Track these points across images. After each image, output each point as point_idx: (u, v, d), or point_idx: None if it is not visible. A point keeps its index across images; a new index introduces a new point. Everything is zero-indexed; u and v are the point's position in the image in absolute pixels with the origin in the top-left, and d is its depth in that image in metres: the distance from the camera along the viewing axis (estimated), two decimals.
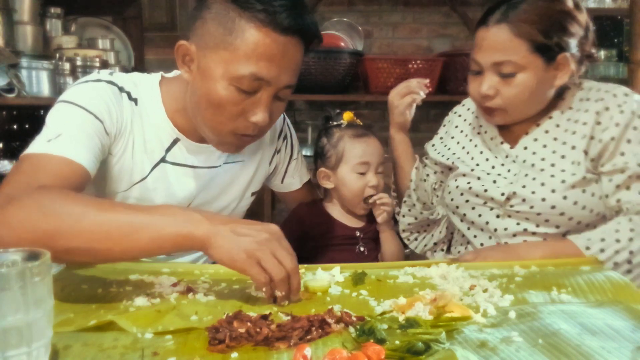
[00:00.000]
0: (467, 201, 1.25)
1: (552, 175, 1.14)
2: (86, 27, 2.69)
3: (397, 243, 1.36)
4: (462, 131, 1.38)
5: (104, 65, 2.34)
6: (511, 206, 1.17)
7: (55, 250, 0.67)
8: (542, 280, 0.92)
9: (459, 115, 1.42)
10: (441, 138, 1.44)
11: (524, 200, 1.15)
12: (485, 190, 1.20)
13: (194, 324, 0.72)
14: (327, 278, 0.92)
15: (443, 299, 0.78)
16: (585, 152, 1.14)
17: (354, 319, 0.73)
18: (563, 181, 1.13)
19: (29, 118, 2.41)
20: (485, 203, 1.22)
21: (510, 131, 1.25)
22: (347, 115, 1.36)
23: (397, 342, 0.65)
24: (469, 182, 1.25)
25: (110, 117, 0.99)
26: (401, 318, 0.74)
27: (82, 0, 2.62)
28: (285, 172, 1.32)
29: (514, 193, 1.16)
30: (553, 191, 1.13)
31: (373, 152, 1.31)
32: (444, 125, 1.47)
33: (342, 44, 2.65)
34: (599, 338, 0.66)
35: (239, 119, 0.98)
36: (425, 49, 3.01)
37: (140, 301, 0.82)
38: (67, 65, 2.24)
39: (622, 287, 0.87)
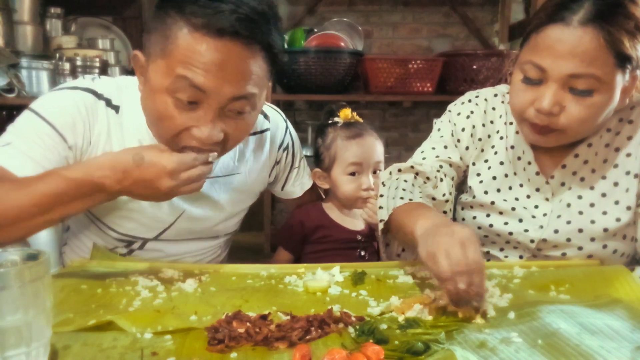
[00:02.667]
0: (486, 236, 1.09)
1: (592, 221, 0.99)
2: (86, 27, 2.68)
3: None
4: (492, 146, 1.11)
5: (104, 65, 2.34)
6: (539, 250, 1.03)
7: None
8: (541, 279, 0.92)
9: (491, 122, 1.13)
10: (463, 129, 1.12)
11: (555, 246, 1.02)
12: (511, 234, 1.05)
13: (193, 324, 0.72)
14: (326, 278, 0.92)
15: (443, 299, 0.78)
16: (638, 196, 0.98)
17: (354, 319, 0.73)
18: (605, 229, 0.98)
19: None
20: (508, 242, 1.07)
21: (545, 158, 1.04)
22: (344, 113, 1.32)
23: (396, 342, 0.65)
24: (489, 216, 1.08)
25: (75, 130, 0.96)
26: (401, 318, 0.74)
27: (82, 0, 2.62)
28: (286, 180, 1.29)
29: (545, 240, 1.02)
30: (592, 240, 0.99)
31: (366, 153, 1.27)
32: (469, 117, 1.13)
33: (342, 44, 2.64)
34: (598, 338, 0.66)
35: (184, 134, 0.91)
36: (425, 49, 3.00)
37: (140, 301, 0.82)
38: (67, 65, 2.24)
39: (620, 276, 0.88)
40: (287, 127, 1.24)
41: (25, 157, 0.92)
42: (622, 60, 0.87)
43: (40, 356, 0.59)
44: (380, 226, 1.02)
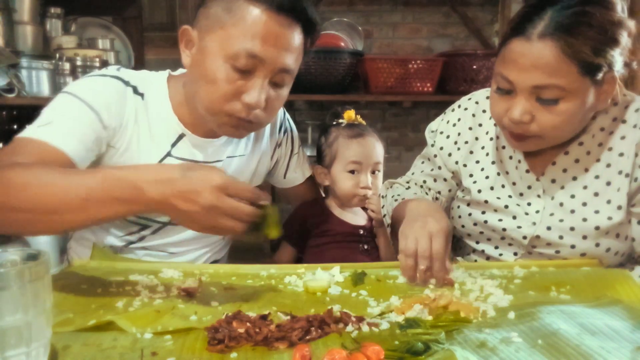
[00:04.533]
0: (481, 232, 1.12)
1: (585, 219, 1.00)
2: (86, 27, 2.68)
3: (391, 247, 1.36)
4: (482, 147, 1.15)
5: (104, 65, 2.34)
6: (533, 247, 1.05)
7: (8, 221, 0.80)
8: (541, 280, 0.92)
9: (480, 125, 1.17)
10: (448, 137, 1.19)
11: (548, 244, 1.03)
12: (504, 230, 1.07)
13: (193, 324, 0.72)
14: (326, 278, 0.92)
15: (443, 299, 0.78)
16: (629, 195, 0.99)
17: (354, 319, 0.73)
18: (597, 227, 0.99)
19: (29, 118, 2.39)
20: (502, 239, 1.09)
21: (535, 156, 1.06)
22: (348, 115, 1.37)
23: (396, 342, 0.65)
24: (484, 213, 1.10)
25: (109, 110, 1.01)
26: (401, 318, 0.74)
27: (82, 0, 2.62)
28: (287, 166, 1.33)
29: (537, 237, 1.04)
30: (584, 237, 1.00)
31: (366, 153, 1.32)
32: (455, 124, 1.20)
33: (342, 44, 2.64)
34: (598, 338, 0.66)
35: (233, 99, 0.98)
36: (425, 49, 3.00)
37: (140, 301, 0.82)
38: (67, 65, 2.24)
39: (622, 278, 0.88)
40: (284, 113, 1.31)
41: (67, 134, 0.95)
42: (587, 67, 0.89)
43: (40, 356, 0.59)
44: (389, 230, 1.14)
